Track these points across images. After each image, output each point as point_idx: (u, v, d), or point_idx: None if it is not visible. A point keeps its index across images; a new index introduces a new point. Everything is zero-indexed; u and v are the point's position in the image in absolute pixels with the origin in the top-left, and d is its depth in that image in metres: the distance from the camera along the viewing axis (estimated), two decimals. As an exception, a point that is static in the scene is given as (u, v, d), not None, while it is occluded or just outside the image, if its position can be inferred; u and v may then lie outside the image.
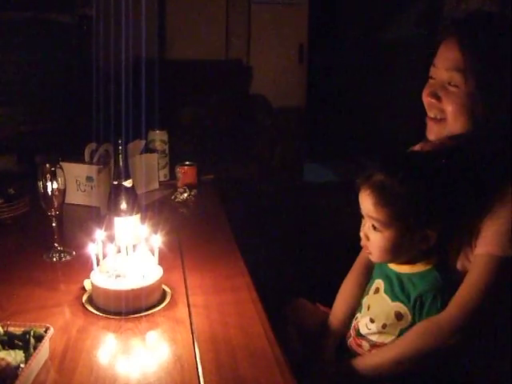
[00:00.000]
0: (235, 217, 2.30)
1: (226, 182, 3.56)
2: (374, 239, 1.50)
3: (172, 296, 1.56)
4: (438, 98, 1.49)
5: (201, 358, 1.27)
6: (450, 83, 1.46)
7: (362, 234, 1.54)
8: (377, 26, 6.00)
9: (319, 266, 1.85)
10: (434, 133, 1.54)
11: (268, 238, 3.41)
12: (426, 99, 1.53)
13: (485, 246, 1.39)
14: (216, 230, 2.14)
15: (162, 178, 2.71)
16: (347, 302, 1.71)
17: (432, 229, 1.43)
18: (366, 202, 1.48)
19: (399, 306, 1.49)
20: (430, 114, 1.53)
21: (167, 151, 2.75)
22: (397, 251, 1.48)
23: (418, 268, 1.50)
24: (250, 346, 1.34)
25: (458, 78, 1.44)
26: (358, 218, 1.54)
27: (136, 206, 1.77)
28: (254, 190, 4.53)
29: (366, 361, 1.51)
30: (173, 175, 2.68)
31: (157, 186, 2.64)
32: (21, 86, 4.22)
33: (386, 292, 1.53)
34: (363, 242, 1.55)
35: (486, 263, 1.38)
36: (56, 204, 1.83)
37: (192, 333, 1.38)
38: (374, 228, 1.48)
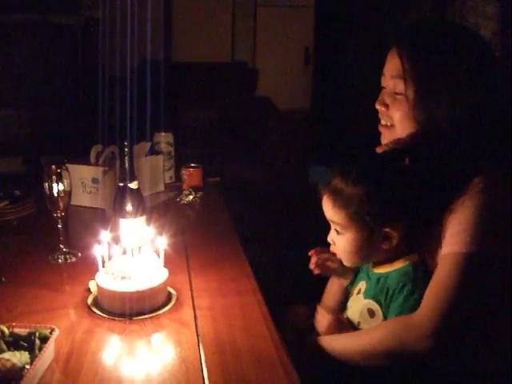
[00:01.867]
0: (240, 219, 2.30)
1: (232, 184, 3.56)
2: (338, 243, 1.53)
3: (177, 298, 1.56)
4: (387, 106, 1.54)
5: (206, 360, 1.27)
6: (395, 91, 1.51)
7: (329, 240, 1.57)
8: (383, 28, 5.99)
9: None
10: (386, 138, 1.58)
11: (273, 241, 3.41)
12: (377, 107, 1.58)
13: (447, 246, 1.38)
14: (221, 232, 2.14)
15: (167, 180, 2.71)
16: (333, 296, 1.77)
17: (391, 228, 1.44)
18: (327, 207, 1.51)
19: (371, 303, 1.51)
20: (382, 121, 1.58)
21: (173, 153, 2.75)
22: (361, 252, 1.50)
23: (397, 265, 1.50)
24: (255, 348, 1.33)
25: (401, 85, 1.48)
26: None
27: (141, 207, 1.77)
28: (260, 192, 4.53)
29: (333, 343, 1.52)
30: (178, 177, 2.68)
31: (162, 188, 2.64)
32: (27, 88, 4.23)
33: (364, 292, 1.55)
34: (331, 248, 1.58)
35: (451, 262, 1.36)
36: (62, 205, 1.83)
37: (197, 335, 1.38)
38: (337, 232, 1.51)
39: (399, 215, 1.43)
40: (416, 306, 1.40)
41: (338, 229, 1.50)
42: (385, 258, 1.51)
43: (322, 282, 1.83)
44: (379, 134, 1.60)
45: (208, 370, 1.24)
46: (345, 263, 1.57)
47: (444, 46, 1.47)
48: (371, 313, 1.50)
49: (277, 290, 1.74)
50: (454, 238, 1.37)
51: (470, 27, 1.59)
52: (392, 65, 1.51)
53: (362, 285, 1.59)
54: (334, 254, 1.60)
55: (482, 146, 1.46)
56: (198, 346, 1.33)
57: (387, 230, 1.44)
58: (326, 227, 1.58)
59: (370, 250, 1.49)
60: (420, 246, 1.50)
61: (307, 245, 1.81)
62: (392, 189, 1.42)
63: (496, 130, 1.47)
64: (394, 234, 1.44)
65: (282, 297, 1.78)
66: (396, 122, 1.52)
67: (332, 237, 1.54)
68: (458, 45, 1.47)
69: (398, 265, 1.50)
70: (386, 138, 1.57)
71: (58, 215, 1.85)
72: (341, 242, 1.51)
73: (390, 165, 1.47)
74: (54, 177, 1.81)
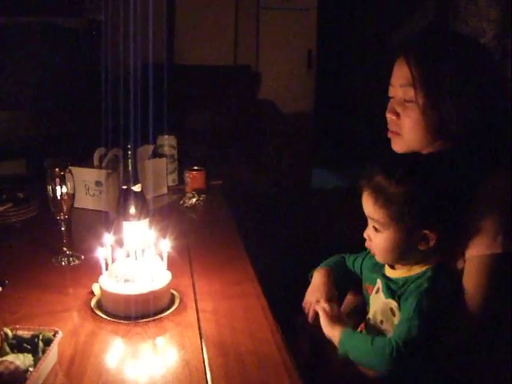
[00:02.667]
0: (243, 222, 2.30)
1: (235, 187, 3.56)
2: (375, 240, 1.52)
3: (181, 301, 1.56)
4: (397, 115, 1.57)
5: (209, 363, 1.27)
6: (405, 99, 1.54)
7: (365, 235, 1.57)
8: (386, 31, 6.00)
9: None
10: (397, 145, 1.61)
11: (276, 244, 3.41)
12: (387, 116, 1.61)
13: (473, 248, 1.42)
14: (224, 235, 2.14)
15: (170, 183, 2.71)
16: None
17: (430, 230, 1.43)
18: (367, 203, 1.50)
19: (391, 303, 1.50)
20: (391, 128, 1.61)
21: (176, 156, 2.75)
22: (397, 252, 1.49)
23: (416, 270, 1.50)
24: (259, 352, 1.33)
25: (411, 93, 1.51)
26: (366, 223, 1.55)
27: (145, 210, 1.77)
28: (263, 195, 4.53)
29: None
30: (181, 180, 2.68)
31: (165, 190, 2.64)
32: (29, 90, 4.23)
33: (384, 292, 1.55)
34: (367, 243, 1.57)
35: (478, 264, 1.41)
36: (65, 208, 1.84)
37: (200, 338, 1.38)
38: (375, 229, 1.50)
39: (440, 218, 1.43)
40: (431, 295, 1.42)
41: (376, 226, 1.49)
42: (417, 259, 1.50)
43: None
44: (388, 138, 1.62)
45: (211, 373, 1.24)
46: (378, 259, 1.56)
47: (449, 52, 1.52)
48: (392, 311, 1.50)
49: (281, 294, 1.74)
50: (479, 240, 1.40)
51: (469, 34, 1.64)
52: (400, 74, 1.55)
53: (379, 283, 1.58)
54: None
55: (494, 146, 1.50)
56: (202, 348, 1.33)
57: (426, 231, 1.44)
58: (329, 230, 1.57)
59: (406, 249, 1.48)
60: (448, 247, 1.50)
61: (310, 248, 1.81)
62: (435, 191, 1.42)
63: (506, 129, 1.52)
64: (432, 236, 1.44)
65: (286, 301, 1.78)
66: (406, 129, 1.55)
67: (369, 233, 1.54)
68: (461, 50, 1.53)
69: (417, 270, 1.50)
70: (397, 144, 1.60)
71: (62, 218, 1.85)
72: (378, 239, 1.51)
73: (434, 167, 1.47)
74: (57, 179, 1.81)
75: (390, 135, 1.62)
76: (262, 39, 5.64)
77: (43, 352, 1.22)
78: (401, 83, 1.54)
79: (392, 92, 1.60)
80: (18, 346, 1.24)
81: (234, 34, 5.51)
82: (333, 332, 1.51)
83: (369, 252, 1.67)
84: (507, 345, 1.46)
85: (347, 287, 1.79)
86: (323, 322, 1.55)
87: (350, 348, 1.46)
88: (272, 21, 5.64)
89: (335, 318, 1.55)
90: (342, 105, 6.11)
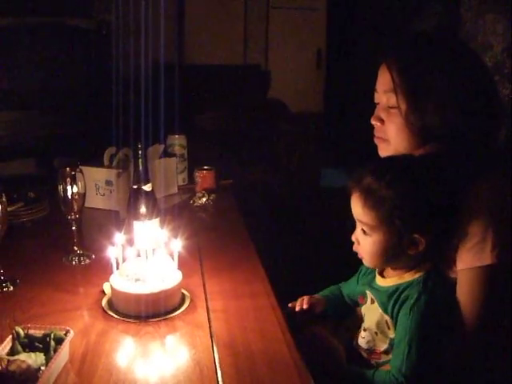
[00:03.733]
0: (253, 221, 2.30)
1: (244, 186, 3.56)
2: (363, 243, 1.50)
3: (191, 300, 1.56)
4: (382, 121, 1.57)
5: (220, 362, 1.28)
6: (389, 105, 1.54)
7: (353, 238, 1.54)
8: (395, 30, 5.98)
9: (336, 271, 1.84)
10: (383, 150, 1.60)
11: (286, 243, 3.41)
12: (373, 123, 1.61)
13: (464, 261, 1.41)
14: (235, 234, 2.14)
15: (180, 183, 2.71)
16: None
17: (420, 234, 1.41)
18: (356, 206, 1.48)
19: (386, 316, 1.50)
20: (377, 134, 1.61)
21: (186, 155, 2.75)
22: (386, 256, 1.47)
23: (407, 277, 1.49)
24: (269, 351, 1.33)
25: (394, 99, 1.51)
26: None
27: (155, 210, 1.78)
28: (272, 194, 4.53)
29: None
30: (191, 179, 2.68)
31: (175, 190, 2.64)
32: (39, 90, 4.25)
33: (378, 303, 1.53)
34: (355, 247, 1.54)
35: (470, 277, 1.40)
36: (76, 208, 1.84)
37: (211, 337, 1.38)
38: (364, 232, 1.48)
39: (430, 222, 1.41)
40: (423, 310, 1.41)
41: (365, 229, 1.47)
42: (406, 264, 1.48)
43: (336, 282, 1.82)
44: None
45: (222, 372, 1.24)
46: (366, 264, 1.55)
47: (429, 57, 1.50)
48: (387, 324, 1.50)
49: (290, 292, 1.74)
50: (468, 250, 1.39)
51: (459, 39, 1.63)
52: (383, 80, 1.55)
53: (369, 294, 1.58)
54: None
55: (481, 151, 1.49)
56: (212, 348, 1.34)
57: (415, 235, 1.41)
58: (338, 229, 1.57)
59: (395, 254, 1.46)
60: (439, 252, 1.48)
61: (320, 246, 1.80)
62: (426, 195, 1.39)
63: (492, 131, 1.51)
64: (421, 240, 1.41)
65: (293, 299, 1.77)
66: (391, 135, 1.54)
67: (357, 236, 1.51)
68: (443, 54, 1.51)
69: (408, 277, 1.48)
70: (383, 149, 1.59)
71: (73, 217, 1.85)
72: (366, 242, 1.48)
73: (425, 170, 1.44)
74: (68, 179, 1.82)
75: (376, 141, 1.61)
76: (271, 39, 5.64)
77: (55, 351, 1.22)
78: (384, 89, 1.54)
79: (377, 98, 1.59)
80: (30, 344, 1.25)
81: (244, 33, 5.51)
82: None
83: (361, 270, 1.67)
84: (504, 353, 1.46)
85: (343, 316, 1.76)
86: None
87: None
88: (281, 20, 5.64)
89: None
90: (351, 104, 6.08)
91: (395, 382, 1.40)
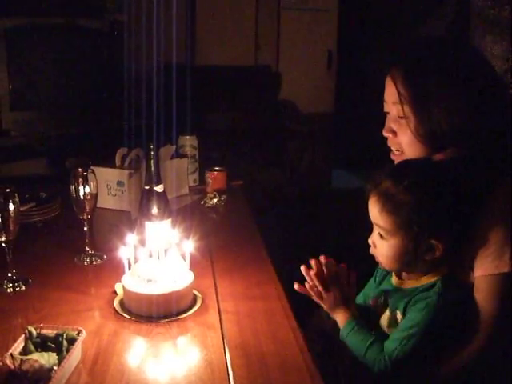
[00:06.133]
0: (264, 223, 2.30)
1: (255, 187, 3.56)
2: (380, 247, 1.49)
3: (203, 301, 1.57)
4: (394, 133, 1.56)
5: (231, 364, 1.28)
6: (398, 116, 1.53)
7: (370, 242, 1.53)
8: (406, 31, 5.98)
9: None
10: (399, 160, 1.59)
11: (297, 244, 3.41)
12: (385, 135, 1.60)
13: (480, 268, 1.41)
14: (246, 236, 2.14)
15: (191, 183, 2.71)
16: None
17: (437, 239, 1.40)
18: (373, 209, 1.47)
19: (398, 314, 1.50)
20: (393, 148, 1.60)
21: (197, 156, 2.75)
22: (403, 260, 1.46)
23: (424, 281, 1.47)
24: (281, 353, 1.33)
25: (402, 110, 1.50)
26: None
27: (167, 210, 1.78)
28: (283, 195, 4.53)
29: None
30: (202, 180, 2.68)
31: (187, 191, 2.64)
32: (52, 90, 4.27)
33: (391, 303, 1.54)
34: (371, 250, 1.54)
35: (488, 284, 1.39)
36: (88, 208, 1.84)
37: (223, 338, 1.39)
38: (381, 236, 1.47)
39: (448, 228, 1.40)
40: (437, 311, 1.41)
41: (382, 233, 1.46)
42: (423, 269, 1.47)
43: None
44: None
45: (233, 373, 1.24)
46: (382, 267, 1.54)
47: (433, 64, 1.49)
48: (397, 321, 1.49)
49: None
50: (486, 257, 1.38)
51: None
52: (390, 91, 1.55)
53: (385, 293, 1.57)
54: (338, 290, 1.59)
55: (497, 153, 1.47)
56: (224, 349, 1.34)
57: (433, 241, 1.40)
58: (348, 230, 1.56)
59: (411, 258, 1.44)
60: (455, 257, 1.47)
61: (330, 247, 1.80)
62: (446, 201, 1.38)
63: (506, 131, 1.48)
64: (439, 246, 1.40)
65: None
66: (405, 146, 1.54)
67: (374, 239, 1.50)
68: (446, 59, 1.50)
69: (426, 280, 1.47)
70: (399, 159, 1.58)
71: (84, 218, 1.85)
72: (383, 246, 1.47)
73: (443, 175, 1.43)
74: (80, 179, 1.82)
75: (393, 157, 1.60)
76: (282, 40, 5.64)
77: (67, 351, 1.23)
78: (392, 100, 1.53)
79: (386, 108, 1.59)
80: (43, 344, 1.25)
81: (255, 34, 5.51)
82: (336, 315, 1.56)
83: (377, 271, 1.66)
84: None
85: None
86: (325, 305, 1.58)
87: (348, 342, 1.50)
88: (292, 21, 5.64)
89: (340, 301, 1.57)
90: (362, 105, 6.07)
91: (382, 367, 1.41)
